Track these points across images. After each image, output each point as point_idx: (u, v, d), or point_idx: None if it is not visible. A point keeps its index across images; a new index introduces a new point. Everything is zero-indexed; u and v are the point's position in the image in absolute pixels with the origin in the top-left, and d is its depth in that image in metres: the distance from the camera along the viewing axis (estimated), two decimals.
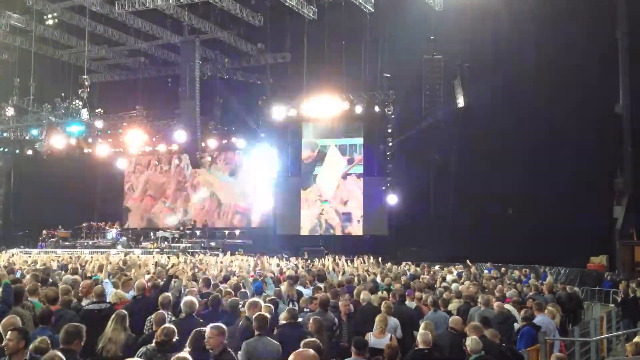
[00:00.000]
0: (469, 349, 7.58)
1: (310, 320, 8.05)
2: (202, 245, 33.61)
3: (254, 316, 7.46)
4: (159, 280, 11.58)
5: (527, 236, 28.30)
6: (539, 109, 29.64)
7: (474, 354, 7.50)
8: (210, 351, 6.26)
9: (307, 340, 5.98)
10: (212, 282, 11.41)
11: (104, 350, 6.98)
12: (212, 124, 36.38)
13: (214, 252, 30.30)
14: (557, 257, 26.81)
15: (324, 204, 35.29)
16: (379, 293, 11.47)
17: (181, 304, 8.19)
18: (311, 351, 4.18)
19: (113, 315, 7.29)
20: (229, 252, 28.59)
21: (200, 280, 11.50)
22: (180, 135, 34.78)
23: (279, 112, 34.09)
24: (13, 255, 24.61)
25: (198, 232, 35.80)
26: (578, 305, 16.23)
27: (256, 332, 7.15)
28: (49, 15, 30.80)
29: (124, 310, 7.51)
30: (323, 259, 21.88)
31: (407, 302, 10.96)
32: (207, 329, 6.41)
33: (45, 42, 33.54)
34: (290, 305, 9.78)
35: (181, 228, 36.33)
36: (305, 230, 35.49)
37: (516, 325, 10.19)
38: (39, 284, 9.67)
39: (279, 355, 6.88)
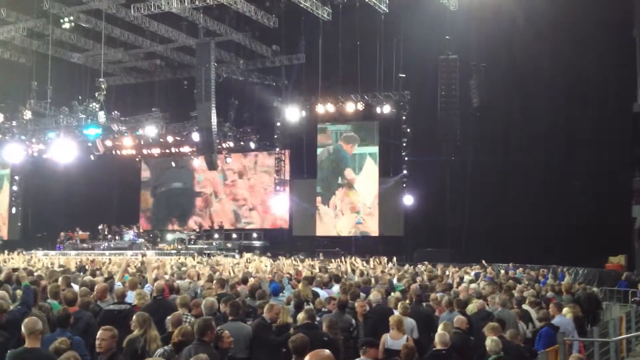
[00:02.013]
0: (488, 349, 7.55)
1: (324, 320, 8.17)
2: (219, 246, 33.74)
3: (228, 303, 8.32)
4: (177, 281, 11.65)
5: (545, 236, 28.14)
6: (556, 109, 29.45)
7: (493, 354, 7.46)
8: (100, 354, 6.25)
9: (294, 336, 5.98)
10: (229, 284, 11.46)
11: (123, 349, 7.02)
12: (228, 125, 36.50)
13: (230, 254, 30.45)
14: (576, 257, 26.58)
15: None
16: (396, 294, 11.44)
17: (201, 305, 8.23)
18: (327, 351, 4.20)
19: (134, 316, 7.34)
20: (244, 253, 28.74)
21: (215, 281, 11.54)
22: (197, 137, 34.90)
23: (294, 113, 34.16)
24: (31, 257, 24.86)
25: (214, 234, 35.93)
26: (597, 305, 16.09)
27: (230, 317, 7.96)
28: (66, 19, 30.97)
29: (145, 313, 7.56)
30: (338, 260, 21.87)
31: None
32: (101, 330, 6.38)
33: (61, 45, 33.76)
34: (306, 306, 9.79)
35: (197, 230, 36.48)
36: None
37: (524, 327, 10.14)
38: (62, 287, 9.68)
39: (250, 336, 7.79)
